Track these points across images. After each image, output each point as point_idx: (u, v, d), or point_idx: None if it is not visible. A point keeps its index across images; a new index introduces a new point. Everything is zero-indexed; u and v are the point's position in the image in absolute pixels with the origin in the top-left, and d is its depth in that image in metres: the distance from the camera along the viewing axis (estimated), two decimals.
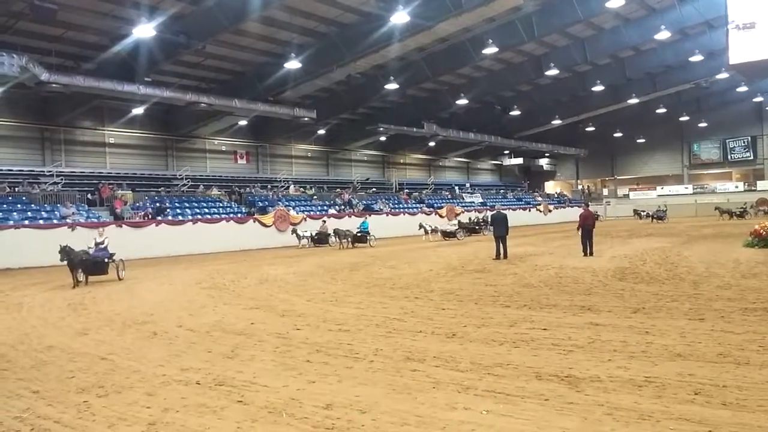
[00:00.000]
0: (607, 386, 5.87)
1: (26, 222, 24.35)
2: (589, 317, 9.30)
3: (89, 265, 16.41)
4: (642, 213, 51.01)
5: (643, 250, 21.11)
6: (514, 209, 49.08)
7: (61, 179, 29.69)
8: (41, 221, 24.90)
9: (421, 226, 33.53)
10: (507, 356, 7.13)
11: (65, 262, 15.94)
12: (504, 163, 64.76)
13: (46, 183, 29.04)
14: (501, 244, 19.77)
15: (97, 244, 17.31)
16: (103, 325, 10.22)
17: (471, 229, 36.41)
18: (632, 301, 10.70)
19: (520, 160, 63.70)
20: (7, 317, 11.50)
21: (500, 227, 20.11)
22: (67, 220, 25.36)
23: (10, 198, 26.45)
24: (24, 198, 26.81)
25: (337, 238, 29.03)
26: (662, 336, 7.86)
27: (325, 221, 32.71)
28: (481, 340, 8.02)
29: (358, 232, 29.56)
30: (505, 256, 19.54)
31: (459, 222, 36.98)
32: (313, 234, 30.60)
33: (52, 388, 6.51)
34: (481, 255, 21.26)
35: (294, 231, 30.46)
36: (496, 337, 8.17)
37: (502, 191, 59.46)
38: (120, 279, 17.05)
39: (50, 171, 30.16)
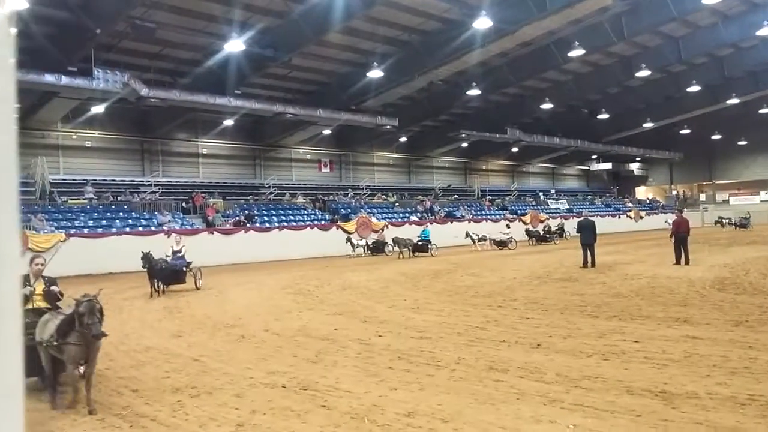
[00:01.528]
0: (706, 404, 5.53)
1: (127, 229, 25.86)
2: (686, 330, 8.82)
3: (167, 275, 16.04)
4: (724, 221, 47.98)
5: (746, 259, 19.82)
6: (602, 215, 47.37)
7: (159, 188, 31.39)
8: (140, 228, 26.38)
9: (467, 234, 31.70)
10: (596, 369, 6.88)
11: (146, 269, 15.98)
12: (591, 168, 62.73)
13: (144, 192, 30.78)
14: (588, 252, 19.18)
15: (174, 252, 16.84)
16: (195, 328, 10.70)
17: (541, 237, 34.84)
18: (733, 313, 10.06)
19: (608, 165, 61.48)
20: (111, 319, 12.24)
21: (587, 234, 19.49)
22: (164, 228, 26.74)
23: (112, 206, 28.23)
24: (125, 206, 28.52)
25: (397, 247, 28.05)
26: (767, 351, 7.33)
27: (382, 229, 31.91)
28: (567, 352, 7.79)
29: (418, 241, 28.57)
30: (593, 265, 18.92)
31: (527, 230, 35.29)
32: (369, 242, 29.78)
33: (150, 388, 6.87)
34: (568, 263, 20.67)
35: (348, 239, 29.38)
36: (583, 348, 7.91)
37: (589, 197, 57.64)
38: (198, 288, 16.47)
39: (149, 181, 31.96)
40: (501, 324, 9.95)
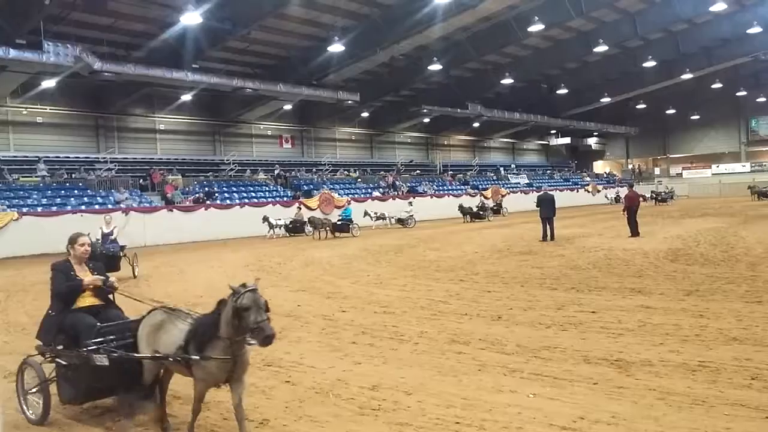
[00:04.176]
0: (659, 370, 5.73)
1: (83, 207, 25.19)
2: (640, 300, 9.08)
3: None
4: (610, 197, 50.71)
5: (697, 230, 20.45)
6: (561, 190, 48.17)
7: (115, 165, 30.57)
8: (96, 206, 25.75)
9: (366, 213, 30.66)
10: (554, 339, 7.05)
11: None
12: (551, 143, 63.54)
13: (101, 169, 29.98)
14: (548, 226, 19.49)
15: (104, 235, 14.91)
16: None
17: (475, 214, 33.94)
18: (685, 283, 10.39)
19: (567, 140, 62.35)
20: None
21: (547, 208, 19.78)
22: (121, 205, 26.17)
23: (67, 184, 27.43)
24: (80, 184, 27.76)
25: (314, 228, 26.62)
26: (717, 319, 7.62)
27: (300, 208, 30.30)
28: (527, 323, 7.95)
29: (339, 220, 27.18)
30: (552, 238, 19.26)
31: (461, 207, 34.51)
32: (287, 222, 28.15)
33: None
34: (528, 237, 21.00)
35: (266, 218, 27.30)
36: (542, 320, 8.08)
37: (548, 171, 58.49)
38: (134, 277, 14.49)
39: (104, 157, 31.09)
40: (463, 298, 10.07)
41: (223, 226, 27.82)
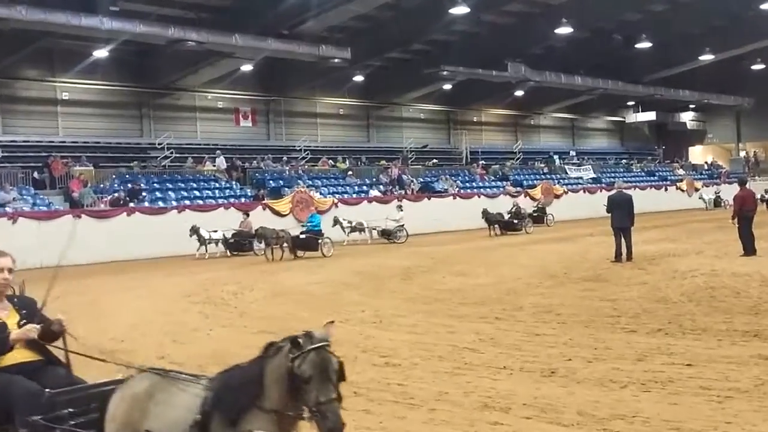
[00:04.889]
0: None
1: None
2: (757, 347, 9.07)
3: None
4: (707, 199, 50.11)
5: None
6: (642, 188, 48.17)
7: None
8: None
9: (336, 221, 30.62)
10: (632, 405, 7.02)
11: None
12: (627, 121, 63.46)
13: None
14: (623, 240, 19.44)
15: None
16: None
17: (507, 224, 34.35)
18: None
19: (651, 115, 62.25)
20: None
21: (621, 215, 19.69)
22: (7, 209, 26.14)
23: None
24: None
25: (263, 243, 26.62)
26: None
27: (247, 214, 29.82)
28: (593, 381, 7.94)
29: (303, 233, 26.93)
30: (629, 257, 19.23)
31: (485, 213, 34.38)
32: (227, 235, 27.97)
33: None
34: (594, 255, 20.98)
35: (195, 230, 27.13)
36: (615, 376, 8.07)
37: (624, 161, 58.49)
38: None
39: None
40: (499, 343, 10.06)
41: (154, 239, 27.79)
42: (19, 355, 4.93)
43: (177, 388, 4.43)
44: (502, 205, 36.67)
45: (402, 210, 32.96)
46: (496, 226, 33.77)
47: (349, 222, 31.55)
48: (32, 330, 4.90)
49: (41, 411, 4.57)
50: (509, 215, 34.82)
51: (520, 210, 35.75)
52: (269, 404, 3.93)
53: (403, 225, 31.60)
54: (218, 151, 37.16)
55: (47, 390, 4.67)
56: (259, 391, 3.98)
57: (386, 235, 31.41)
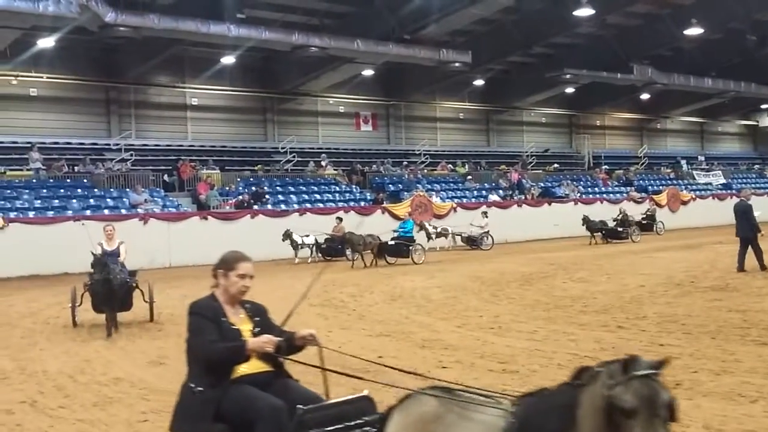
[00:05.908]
0: None
1: (87, 212, 26.36)
2: None
3: (106, 295, 13.11)
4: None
5: None
6: None
7: (131, 155, 31.96)
8: (106, 211, 26.93)
9: (287, 236, 27.55)
10: (763, 420, 6.83)
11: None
12: (761, 125, 61.27)
13: (112, 160, 31.46)
14: (749, 250, 18.86)
15: (105, 254, 13.89)
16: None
17: (611, 232, 33.24)
18: None
19: None
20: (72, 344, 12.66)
21: (742, 224, 19.25)
22: (139, 210, 27.22)
23: (68, 180, 28.95)
24: (85, 180, 29.29)
25: (350, 249, 26.34)
26: None
27: (341, 219, 29.46)
28: (721, 395, 7.75)
29: (393, 239, 26.73)
30: (763, 268, 18.58)
31: (585, 218, 32.93)
32: (319, 240, 27.96)
33: None
34: (723, 264, 20.35)
35: (288, 235, 27.31)
36: (745, 390, 7.85)
37: (757, 167, 56.54)
38: (152, 320, 14.15)
39: (117, 144, 32.57)
40: (622, 353, 9.76)
41: (277, 241, 28.32)
42: (254, 366, 4.67)
43: (472, 410, 3.91)
44: (597, 214, 34.88)
45: (487, 216, 32.79)
46: (600, 234, 32.92)
47: (435, 227, 31.60)
48: (269, 343, 4.58)
49: (290, 429, 4.32)
50: (615, 222, 33.89)
51: (627, 217, 34.62)
52: None
53: (488, 231, 31.51)
54: (323, 155, 37.78)
55: (299, 406, 4.36)
56: (569, 425, 3.40)
57: (470, 241, 31.36)
